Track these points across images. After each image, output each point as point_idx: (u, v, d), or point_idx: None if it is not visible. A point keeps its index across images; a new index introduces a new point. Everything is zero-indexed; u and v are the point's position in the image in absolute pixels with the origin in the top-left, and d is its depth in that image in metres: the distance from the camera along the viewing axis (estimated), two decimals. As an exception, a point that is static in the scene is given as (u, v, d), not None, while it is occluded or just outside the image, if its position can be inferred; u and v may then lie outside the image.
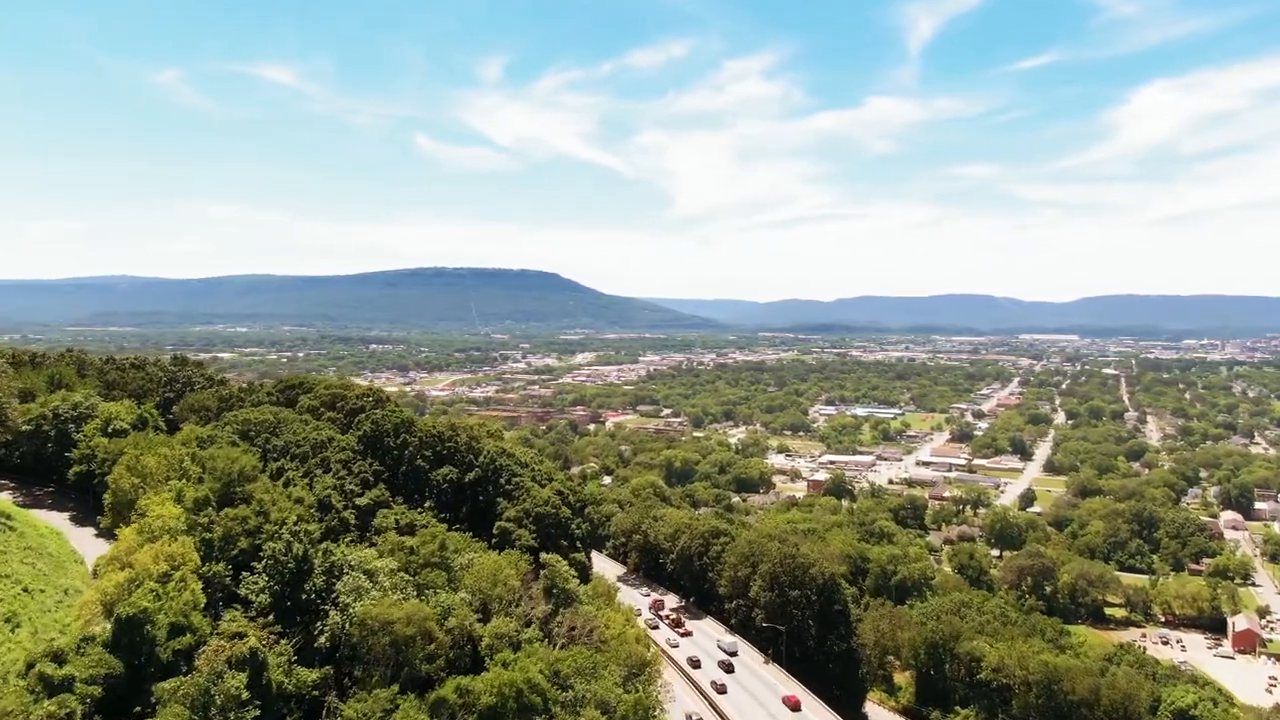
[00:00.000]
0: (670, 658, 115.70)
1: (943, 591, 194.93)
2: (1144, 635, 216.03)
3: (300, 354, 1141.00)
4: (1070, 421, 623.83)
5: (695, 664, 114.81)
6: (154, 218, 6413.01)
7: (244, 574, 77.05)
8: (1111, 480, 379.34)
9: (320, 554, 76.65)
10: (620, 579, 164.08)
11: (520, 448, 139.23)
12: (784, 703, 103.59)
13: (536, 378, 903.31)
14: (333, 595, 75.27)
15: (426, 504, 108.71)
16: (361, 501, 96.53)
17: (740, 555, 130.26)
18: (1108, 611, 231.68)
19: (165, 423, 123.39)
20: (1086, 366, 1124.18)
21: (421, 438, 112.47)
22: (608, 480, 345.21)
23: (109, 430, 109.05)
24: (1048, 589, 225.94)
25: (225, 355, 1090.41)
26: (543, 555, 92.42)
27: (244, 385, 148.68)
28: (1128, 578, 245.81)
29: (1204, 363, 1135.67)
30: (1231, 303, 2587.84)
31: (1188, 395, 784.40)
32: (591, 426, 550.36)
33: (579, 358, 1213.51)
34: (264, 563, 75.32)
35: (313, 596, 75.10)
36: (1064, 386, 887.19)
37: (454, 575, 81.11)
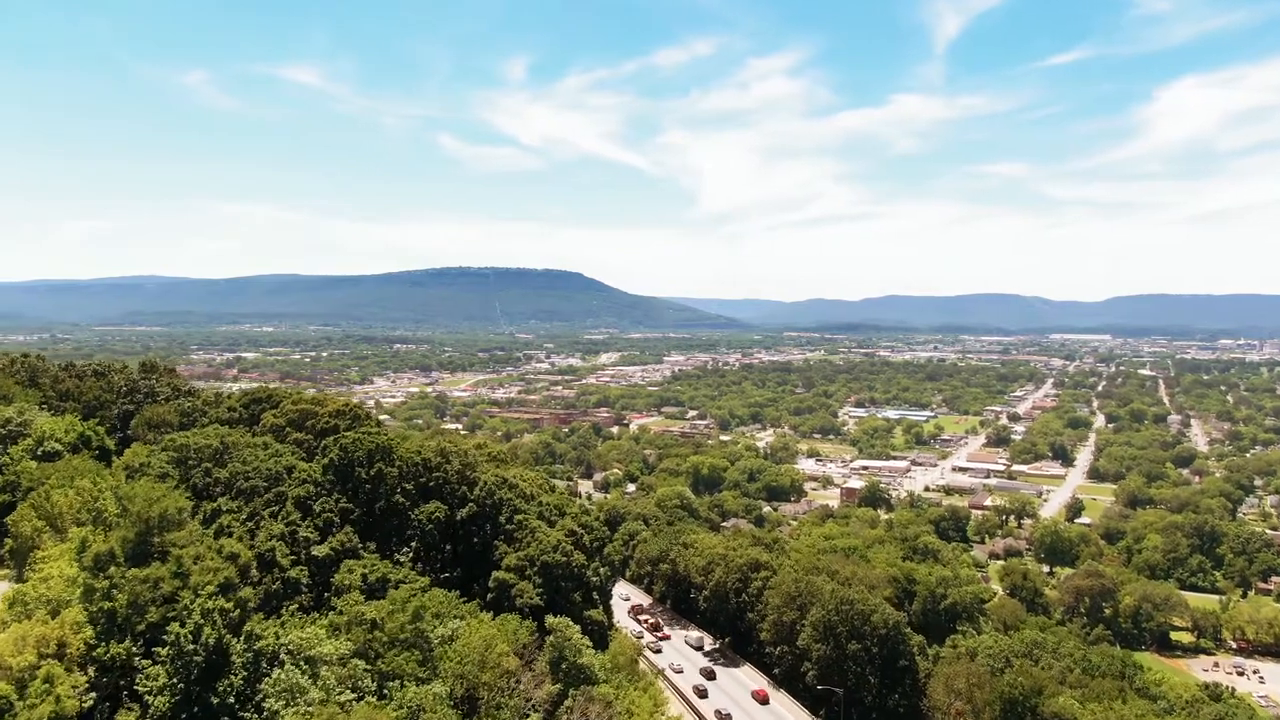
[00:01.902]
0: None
1: (997, 618, 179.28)
2: (1216, 664, 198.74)
3: (324, 353, 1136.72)
4: (1111, 425, 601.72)
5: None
6: (181, 218, 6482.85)
7: (148, 661, 58.66)
8: (1162, 489, 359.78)
9: (242, 640, 58.70)
10: (644, 609, 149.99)
11: (528, 471, 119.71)
12: None
13: (560, 378, 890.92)
14: (257, 698, 57.57)
15: (406, 551, 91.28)
16: (320, 551, 78.33)
17: (785, 596, 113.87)
18: (1174, 636, 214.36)
19: (122, 441, 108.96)
20: (1121, 367, 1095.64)
21: (403, 467, 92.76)
22: (631, 488, 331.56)
23: (39, 452, 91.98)
24: (1107, 611, 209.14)
25: (249, 355, 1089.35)
26: (549, 619, 75.86)
27: (212, 395, 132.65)
28: (1192, 598, 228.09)
29: (1243, 363, 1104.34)
30: (1267, 301, 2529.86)
31: (1230, 398, 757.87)
32: (615, 429, 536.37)
33: (603, 358, 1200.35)
34: (166, 650, 56.62)
35: (230, 701, 57.40)
36: (1100, 388, 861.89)
37: (431, 656, 63.62)
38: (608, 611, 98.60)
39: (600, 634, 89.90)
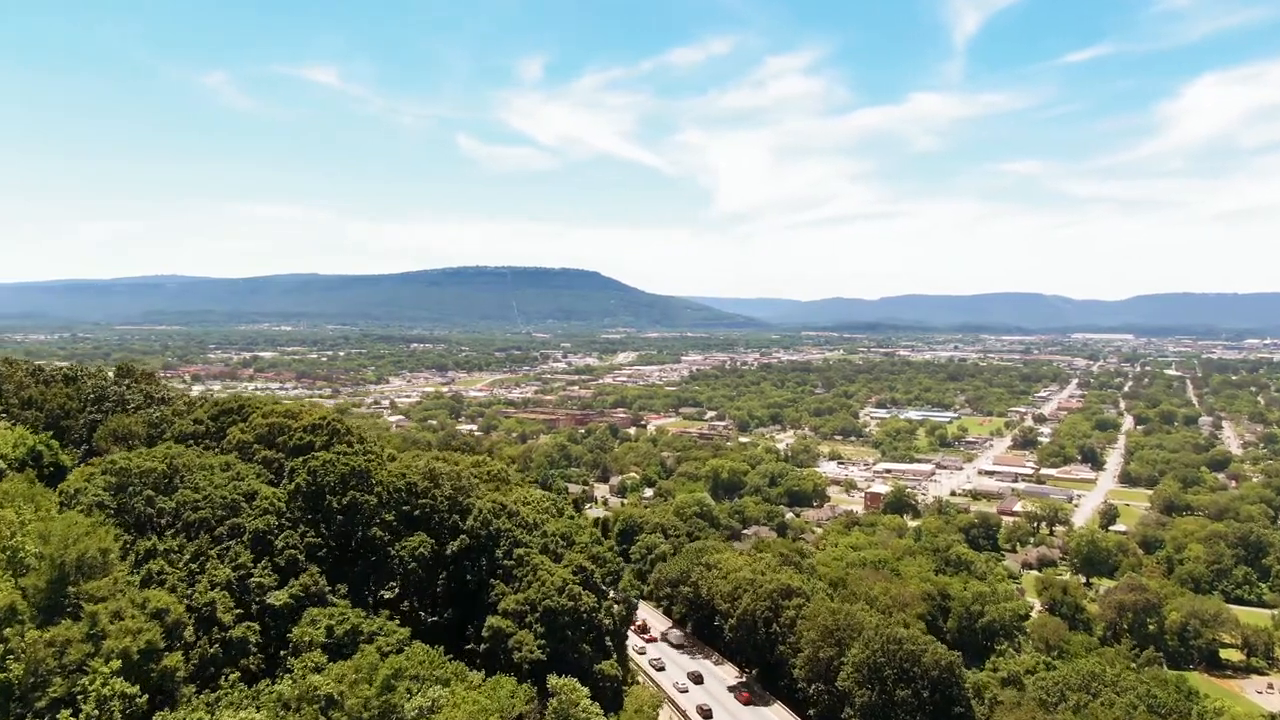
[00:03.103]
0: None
1: (1038, 637, 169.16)
2: (1270, 686, 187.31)
3: (341, 353, 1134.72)
4: (1140, 427, 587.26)
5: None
6: (202, 218, 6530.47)
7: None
8: (1199, 495, 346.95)
9: None
10: (663, 635, 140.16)
11: (532, 491, 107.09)
12: None
13: (576, 378, 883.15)
14: None
15: (385, 593, 79.82)
16: (278, 599, 65.97)
17: (822, 630, 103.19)
18: (1223, 654, 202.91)
19: (87, 455, 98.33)
20: (1147, 367, 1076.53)
21: (383, 493, 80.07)
22: (649, 492, 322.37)
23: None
24: (1151, 627, 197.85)
25: (266, 354, 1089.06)
26: (551, 679, 65.35)
27: (183, 405, 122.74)
28: (1239, 612, 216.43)
29: (1271, 363, 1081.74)
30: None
31: (1261, 399, 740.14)
32: (632, 430, 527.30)
33: (620, 357, 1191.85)
34: None
35: None
36: (1127, 389, 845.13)
37: (403, 740, 52.78)
38: (623, 659, 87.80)
39: (614, 691, 79.08)
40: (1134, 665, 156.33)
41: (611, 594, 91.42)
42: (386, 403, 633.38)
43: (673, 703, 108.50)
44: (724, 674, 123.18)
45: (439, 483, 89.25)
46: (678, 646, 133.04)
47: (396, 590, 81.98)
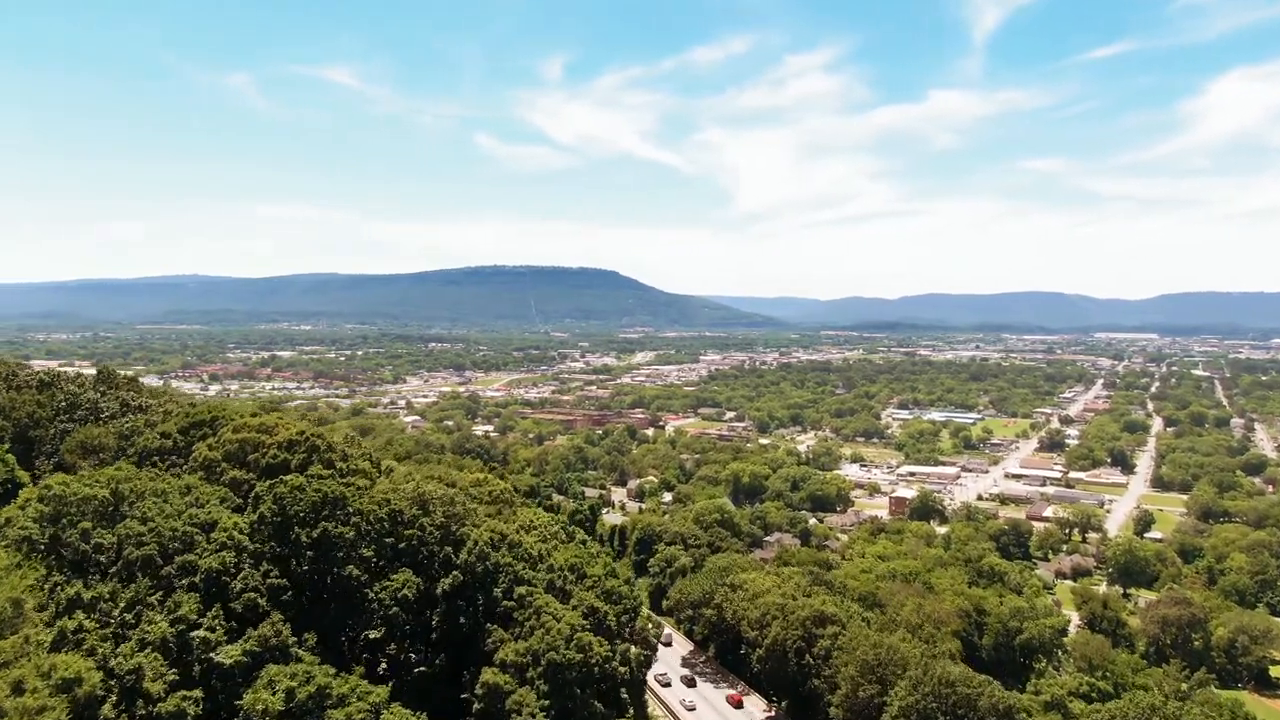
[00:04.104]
0: None
1: (1080, 655, 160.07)
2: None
3: (359, 352, 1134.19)
4: (1170, 429, 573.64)
5: None
6: (223, 219, 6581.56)
7: None
8: (1236, 500, 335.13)
9: None
10: (684, 660, 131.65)
11: (539, 514, 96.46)
12: None
13: (594, 377, 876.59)
14: None
15: (373, 632, 67.88)
16: (229, 655, 55.21)
17: (861, 664, 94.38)
18: (1273, 671, 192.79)
19: (56, 471, 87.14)
20: (1173, 367, 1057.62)
21: (361, 524, 69.27)
22: (668, 497, 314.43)
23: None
24: (1196, 643, 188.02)
25: (284, 353, 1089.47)
26: None
27: (159, 414, 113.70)
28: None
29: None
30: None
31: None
32: (650, 431, 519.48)
33: (638, 357, 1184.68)
34: None
35: None
36: (1154, 389, 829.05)
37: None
38: (641, 714, 79.00)
39: (635, 755, 70.10)
40: (1186, 687, 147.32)
41: (629, 631, 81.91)
42: (403, 403, 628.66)
43: None
44: (751, 706, 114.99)
45: (429, 510, 79.08)
46: (700, 674, 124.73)
47: (382, 630, 71.28)
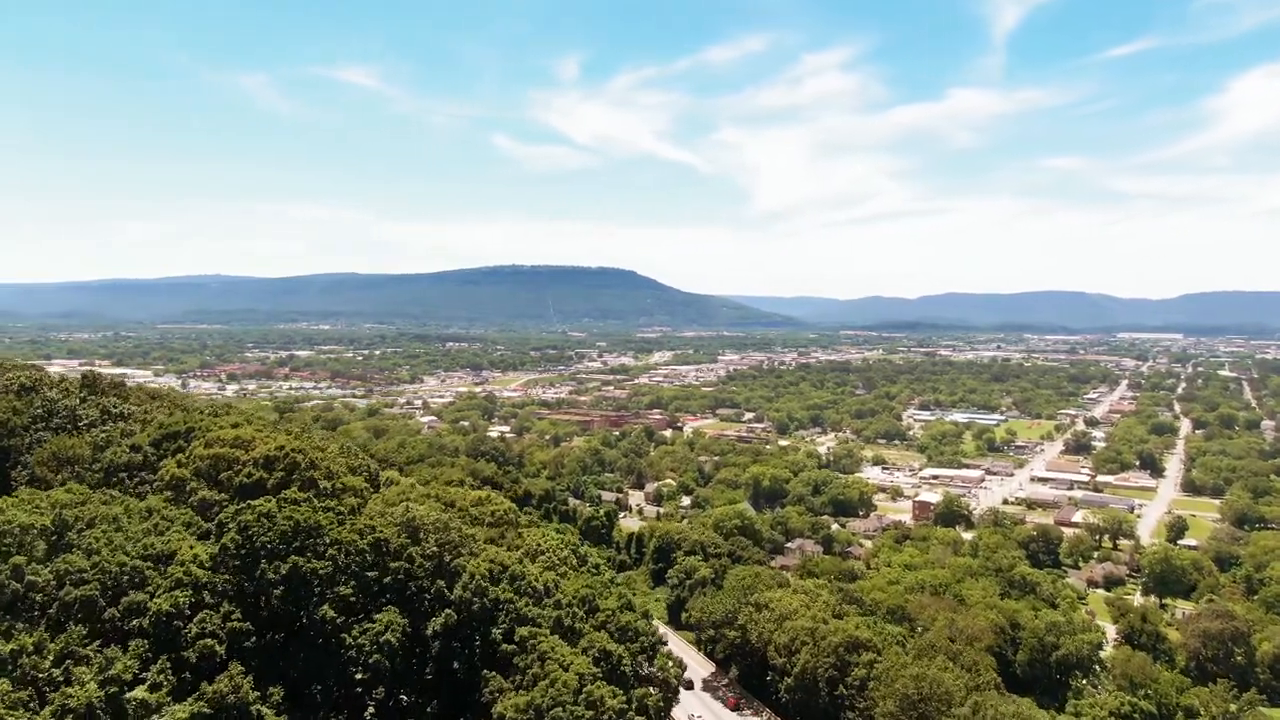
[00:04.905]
0: None
1: (1120, 673, 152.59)
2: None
3: (377, 351, 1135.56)
4: (1199, 431, 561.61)
5: None
6: (243, 219, 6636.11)
7: None
8: (1272, 506, 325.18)
9: None
10: (705, 683, 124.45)
11: (547, 533, 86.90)
12: None
13: (612, 377, 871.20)
14: None
15: (357, 672, 58.16)
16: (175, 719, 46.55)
17: (901, 698, 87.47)
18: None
19: (29, 485, 79.52)
20: (1199, 368, 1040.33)
21: (339, 557, 59.82)
22: (686, 500, 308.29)
23: None
24: (1239, 658, 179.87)
25: (302, 353, 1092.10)
26: None
27: (137, 425, 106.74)
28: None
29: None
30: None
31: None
32: (668, 432, 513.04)
33: (656, 356, 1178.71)
34: None
35: None
36: (1180, 390, 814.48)
37: None
38: None
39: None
40: (1234, 708, 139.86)
41: (647, 670, 74.26)
42: (419, 403, 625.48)
43: None
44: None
45: (419, 538, 70.17)
46: (720, 700, 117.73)
47: (367, 676, 61.77)
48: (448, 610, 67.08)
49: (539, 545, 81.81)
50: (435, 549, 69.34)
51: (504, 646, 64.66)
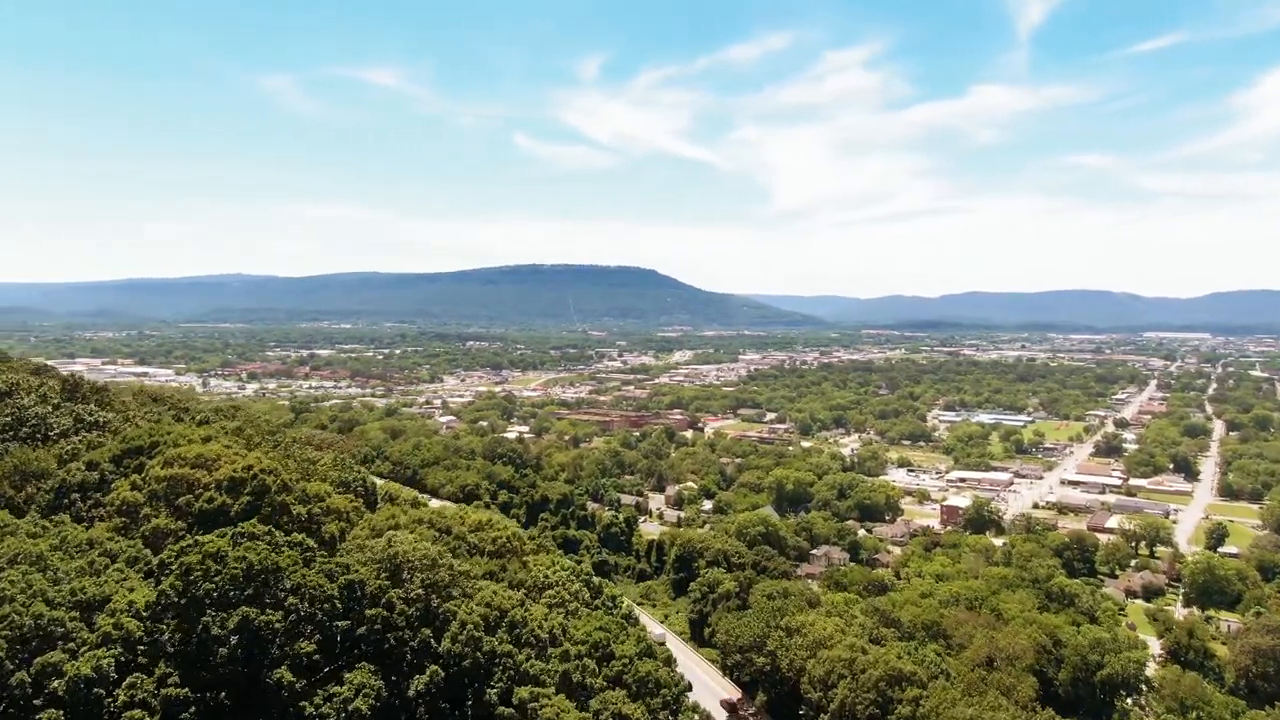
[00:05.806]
0: None
1: (1169, 693, 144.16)
2: None
3: (397, 351, 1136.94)
4: (1233, 433, 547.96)
5: None
6: (266, 219, 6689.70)
7: None
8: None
9: None
10: (731, 709, 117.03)
11: (558, 563, 74.95)
12: None
13: (632, 377, 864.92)
14: None
15: None
16: None
17: None
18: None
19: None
20: (1229, 368, 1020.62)
21: (302, 607, 50.20)
22: (708, 504, 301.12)
23: None
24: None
25: (323, 352, 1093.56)
26: None
27: (113, 431, 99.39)
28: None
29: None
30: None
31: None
32: (689, 432, 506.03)
33: (676, 356, 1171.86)
34: None
35: None
36: (1211, 391, 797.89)
37: None
38: None
39: None
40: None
41: None
42: (439, 402, 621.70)
43: None
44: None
45: (402, 578, 59.94)
46: None
47: None
48: (433, 666, 57.70)
49: (545, 578, 73.81)
50: (420, 591, 59.75)
51: (500, 710, 55.24)
